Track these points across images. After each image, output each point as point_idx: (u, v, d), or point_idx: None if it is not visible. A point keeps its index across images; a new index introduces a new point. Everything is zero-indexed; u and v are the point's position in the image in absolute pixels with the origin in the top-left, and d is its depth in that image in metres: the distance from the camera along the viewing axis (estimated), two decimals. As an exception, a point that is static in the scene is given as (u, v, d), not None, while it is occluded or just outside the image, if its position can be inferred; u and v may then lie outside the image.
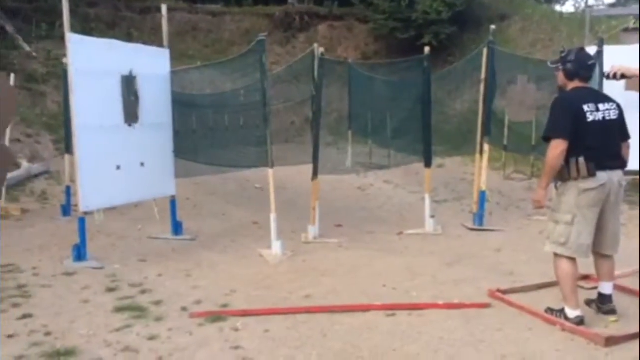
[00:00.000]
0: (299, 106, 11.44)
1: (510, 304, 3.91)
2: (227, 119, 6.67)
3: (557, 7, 20.41)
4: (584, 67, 3.67)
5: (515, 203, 7.46)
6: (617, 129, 3.65)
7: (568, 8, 23.73)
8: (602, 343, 3.22)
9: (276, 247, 5.26)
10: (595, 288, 3.96)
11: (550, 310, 3.70)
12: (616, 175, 3.62)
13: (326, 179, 7.30)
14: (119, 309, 3.84)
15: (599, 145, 3.54)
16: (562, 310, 3.62)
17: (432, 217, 6.19)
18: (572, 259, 3.62)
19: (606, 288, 3.79)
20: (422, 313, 3.82)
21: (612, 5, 22.84)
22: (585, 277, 4.35)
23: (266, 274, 4.71)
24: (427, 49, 6.41)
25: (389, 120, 8.37)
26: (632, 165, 4.19)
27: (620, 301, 3.97)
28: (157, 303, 3.97)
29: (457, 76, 9.11)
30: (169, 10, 6.22)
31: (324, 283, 4.48)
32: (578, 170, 3.52)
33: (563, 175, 3.58)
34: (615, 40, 8.24)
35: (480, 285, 4.29)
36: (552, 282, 4.24)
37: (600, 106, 3.61)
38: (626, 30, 7.91)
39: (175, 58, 8.58)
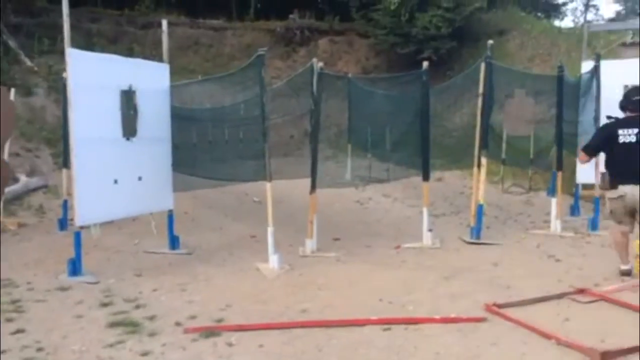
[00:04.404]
0: (299, 120, 11.47)
1: (507, 318, 3.87)
2: (226, 133, 6.70)
3: (556, 22, 20.55)
4: (630, 102, 4.81)
5: (513, 217, 7.44)
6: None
7: (567, 23, 23.95)
8: (597, 357, 3.19)
9: (273, 260, 5.24)
10: (592, 302, 4.13)
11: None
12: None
13: (325, 192, 7.30)
14: (113, 324, 3.82)
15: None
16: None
17: (430, 230, 6.17)
18: (622, 232, 4.73)
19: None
20: (418, 327, 3.79)
21: (611, 20, 23.01)
22: (582, 291, 4.34)
23: (262, 288, 4.69)
24: (425, 64, 6.43)
25: (388, 133, 8.39)
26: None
27: (617, 316, 3.95)
28: (152, 318, 3.95)
29: (456, 90, 9.16)
30: (170, 25, 6.28)
31: (321, 297, 4.47)
32: None
33: (600, 184, 5.02)
34: (614, 55, 8.27)
35: (477, 299, 4.26)
36: (549, 296, 4.25)
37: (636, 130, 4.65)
38: (624, 44, 7.93)
39: (176, 72, 8.63)
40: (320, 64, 6.08)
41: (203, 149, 6.62)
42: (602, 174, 4.82)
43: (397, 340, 3.58)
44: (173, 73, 6.27)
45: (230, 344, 3.52)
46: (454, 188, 8.95)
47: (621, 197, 4.61)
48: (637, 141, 4.63)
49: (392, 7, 13.05)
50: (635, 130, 4.66)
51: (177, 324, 3.84)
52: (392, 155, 8.19)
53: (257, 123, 5.63)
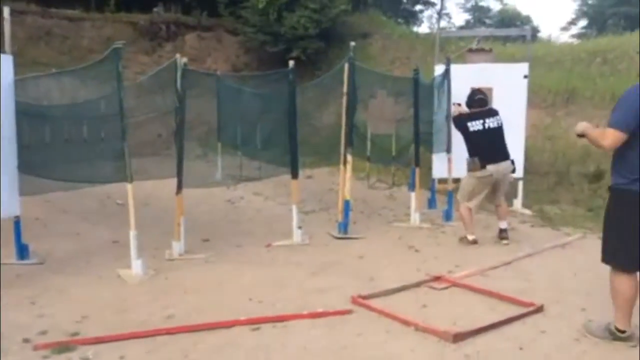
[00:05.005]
0: (167, 118, 11.00)
1: (371, 308, 4.05)
2: (85, 131, 6.22)
3: (414, 28, 22.01)
4: (474, 100, 6.03)
5: (378, 211, 7.81)
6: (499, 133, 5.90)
7: (424, 29, 25.82)
8: (450, 339, 3.45)
9: (136, 266, 4.97)
10: (446, 288, 4.47)
11: (461, 238, 6.01)
12: (501, 166, 5.82)
13: (195, 192, 7.09)
14: (-55, 348, 3.37)
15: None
16: (465, 237, 5.94)
17: (300, 227, 6.25)
18: (470, 209, 5.92)
19: (502, 224, 6.03)
20: (286, 324, 3.82)
21: (461, 28, 25.21)
22: (438, 278, 4.67)
23: (124, 296, 4.42)
24: (291, 63, 6.48)
25: (258, 132, 8.38)
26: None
27: (467, 299, 4.31)
28: (-6, 337, 3.55)
29: (323, 90, 9.41)
30: (19, 13, 5.67)
31: (188, 301, 4.32)
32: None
33: (469, 167, 5.84)
34: (463, 59, 9.00)
35: (343, 292, 4.39)
36: (408, 285, 4.52)
37: (487, 120, 5.87)
38: (471, 50, 8.66)
39: (25, 65, 7.82)
40: (184, 60, 5.88)
41: (57, 149, 6.06)
42: (471, 159, 5.81)
43: (265, 339, 3.58)
44: (22, 66, 5.67)
45: (86, 359, 3.27)
46: (323, 185, 9.18)
47: (490, 175, 5.77)
48: (483, 129, 5.86)
49: (261, 6, 13.07)
50: (481, 121, 5.88)
51: (25, 340, 3.49)
52: (263, 153, 8.19)
53: (118, 120, 5.30)
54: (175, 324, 3.81)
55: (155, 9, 14.68)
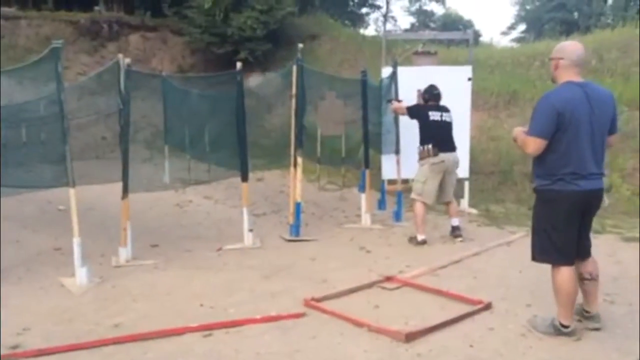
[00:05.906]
0: (111, 120, 10.70)
1: (324, 311, 4.05)
2: (24, 134, 5.95)
3: (361, 30, 22.28)
4: (432, 95, 6.38)
5: (329, 212, 7.84)
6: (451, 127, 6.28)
7: (370, 32, 26.22)
8: (402, 339, 3.50)
9: (81, 274, 4.78)
10: (397, 288, 4.51)
11: (410, 238, 6.11)
12: (452, 156, 6.13)
13: (142, 197, 6.90)
14: None
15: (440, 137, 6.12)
16: (415, 237, 6.04)
17: (251, 230, 6.19)
18: (424, 204, 6.10)
19: (454, 222, 6.24)
20: (239, 329, 3.77)
21: (406, 30, 25.76)
22: (389, 278, 4.73)
23: (68, 306, 4.25)
24: (239, 64, 6.42)
25: (207, 134, 8.23)
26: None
27: (418, 298, 4.38)
28: None
29: (272, 91, 9.36)
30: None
31: (136, 309, 4.20)
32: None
33: (422, 154, 6.10)
34: (409, 62, 9.16)
35: (296, 295, 4.38)
36: (360, 286, 4.56)
37: (444, 114, 6.26)
38: (416, 53, 8.83)
39: (-43, 65, 7.34)
40: (128, 60, 5.71)
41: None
42: (425, 147, 6.09)
43: (217, 346, 3.52)
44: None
45: (28, 373, 3.13)
46: (274, 187, 9.13)
47: (442, 161, 6.04)
48: (441, 120, 6.21)
49: (207, 6, 12.87)
50: (439, 114, 6.23)
51: (-40, 357, 3.30)
52: (212, 155, 8.04)
53: (59, 122, 5.09)
54: (123, 332, 3.70)
55: (96, 8, 14.23)
